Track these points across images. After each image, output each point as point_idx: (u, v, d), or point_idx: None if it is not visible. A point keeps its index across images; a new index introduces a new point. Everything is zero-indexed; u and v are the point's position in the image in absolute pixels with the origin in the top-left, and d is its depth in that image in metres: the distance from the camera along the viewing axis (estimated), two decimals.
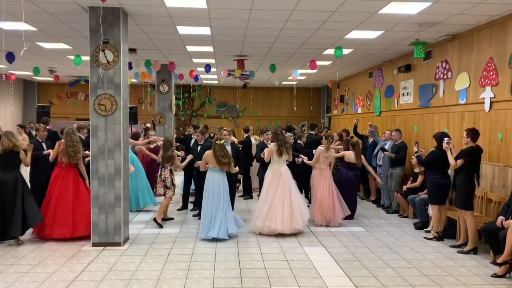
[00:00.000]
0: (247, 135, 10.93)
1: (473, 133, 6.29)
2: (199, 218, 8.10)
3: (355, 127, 10.77)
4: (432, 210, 7.08)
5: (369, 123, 10.41)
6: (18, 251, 6.21)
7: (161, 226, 7.61)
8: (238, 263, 5.74)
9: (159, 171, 7.81)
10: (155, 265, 5.64)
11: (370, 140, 10.09)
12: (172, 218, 8.23)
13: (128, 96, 6.85)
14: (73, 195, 6.79)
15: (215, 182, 6.94)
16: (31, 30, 7.92)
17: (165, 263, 5.72)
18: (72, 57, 10.80)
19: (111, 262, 5.76)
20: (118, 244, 6.44)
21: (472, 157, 6.19)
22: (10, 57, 10.30)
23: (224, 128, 8.85)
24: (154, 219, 7.70)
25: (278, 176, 7.26)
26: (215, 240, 6.75)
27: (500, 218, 5.57)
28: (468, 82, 7.64)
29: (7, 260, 5.80)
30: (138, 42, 9.03)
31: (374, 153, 9.64)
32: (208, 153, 7.00)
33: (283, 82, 17.25)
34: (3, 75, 14.29)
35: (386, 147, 9.09)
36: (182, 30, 7.92)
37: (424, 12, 6.54)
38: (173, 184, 7.84)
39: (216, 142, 6.95)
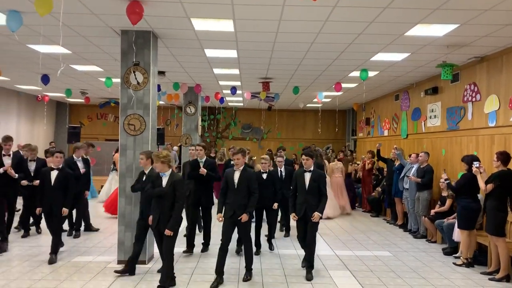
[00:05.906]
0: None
1: (504, 156, 6.11)
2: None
3: (378, 152, 10.67)
4: (461, 235, 6.85)
5: (394, 146, 10.28)
6: (46, 266, 6.33)
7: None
8: (262, 285, 5.70)
9: None
10: (179, 284, 5.64)
11: (397, 163, 9.94)
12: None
13: (156, 117, 7.01)
14: None
15: None
16: (66, 53, 8.27)
17: (188, 283, 5.72)
18: (103, 79, 11.18)
19: (136, 280, 5.81)
20: (143, 262, 6.49)
21: (503, 181, 6.00)
22: (45, 79, 10.76)
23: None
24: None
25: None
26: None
27: None
28: (498, 105, 7.50)
29: (35, 275, 5.92)
30: (167, 64, 9.29)
31: (400, 177, 9.48)
32: None
33: (308, 105, 17.30)
34: (39, 96, 14.90)
35: (411, 173, 8.92)
36: (210, 53, 8.12)
37: (451, 34, 6.51)
38: None
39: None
